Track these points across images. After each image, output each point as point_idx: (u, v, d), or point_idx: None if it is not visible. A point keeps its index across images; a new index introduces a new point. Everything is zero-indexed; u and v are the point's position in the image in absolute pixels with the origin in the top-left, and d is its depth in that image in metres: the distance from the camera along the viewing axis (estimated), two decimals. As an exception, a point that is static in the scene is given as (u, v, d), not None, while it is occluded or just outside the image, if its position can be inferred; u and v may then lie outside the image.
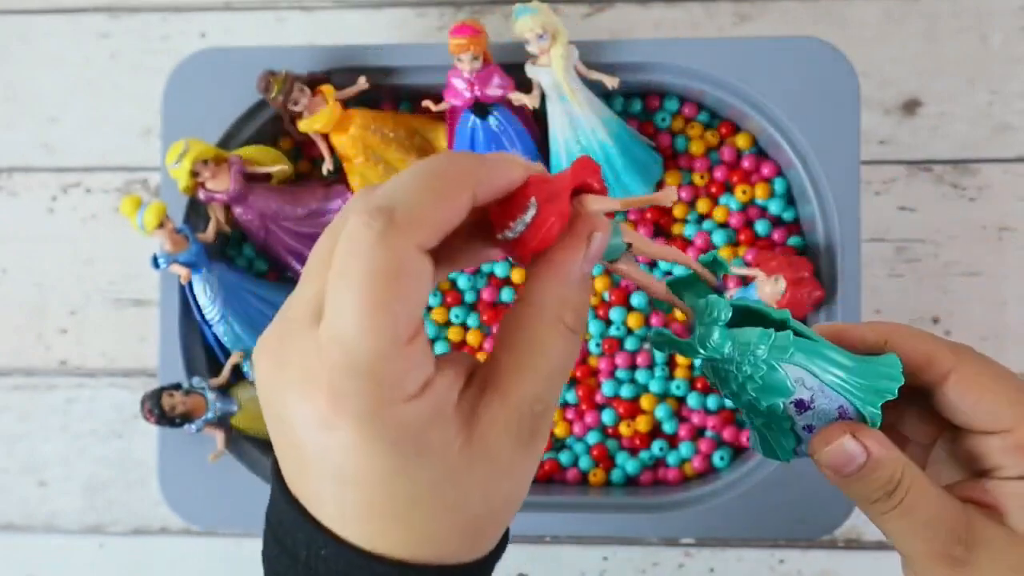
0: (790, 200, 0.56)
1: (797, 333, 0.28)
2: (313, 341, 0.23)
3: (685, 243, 0.56)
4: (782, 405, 0.29)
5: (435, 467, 0.23)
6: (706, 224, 0.56)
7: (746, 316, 0.29)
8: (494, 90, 0.52)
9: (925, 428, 0.33)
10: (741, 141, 0.56)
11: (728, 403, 0.55)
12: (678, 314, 0.30)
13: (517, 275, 0.57)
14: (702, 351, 0.28)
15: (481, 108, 0.53)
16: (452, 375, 0.24)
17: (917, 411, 0.32)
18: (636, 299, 0.56)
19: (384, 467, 0.23)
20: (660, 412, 0.55)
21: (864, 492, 0.28)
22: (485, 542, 0.26)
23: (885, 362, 0.29)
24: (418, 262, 0.22)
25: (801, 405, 0.29)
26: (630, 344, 0.56)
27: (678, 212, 0.57)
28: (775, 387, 0.28)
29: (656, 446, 0.56)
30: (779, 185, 0.55)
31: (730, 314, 0.27)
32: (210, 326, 0.54)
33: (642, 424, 0.56)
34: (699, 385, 0.56)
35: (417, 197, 0.23)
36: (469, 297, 0.57)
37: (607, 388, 0.56)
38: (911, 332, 0.30)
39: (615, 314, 0.56)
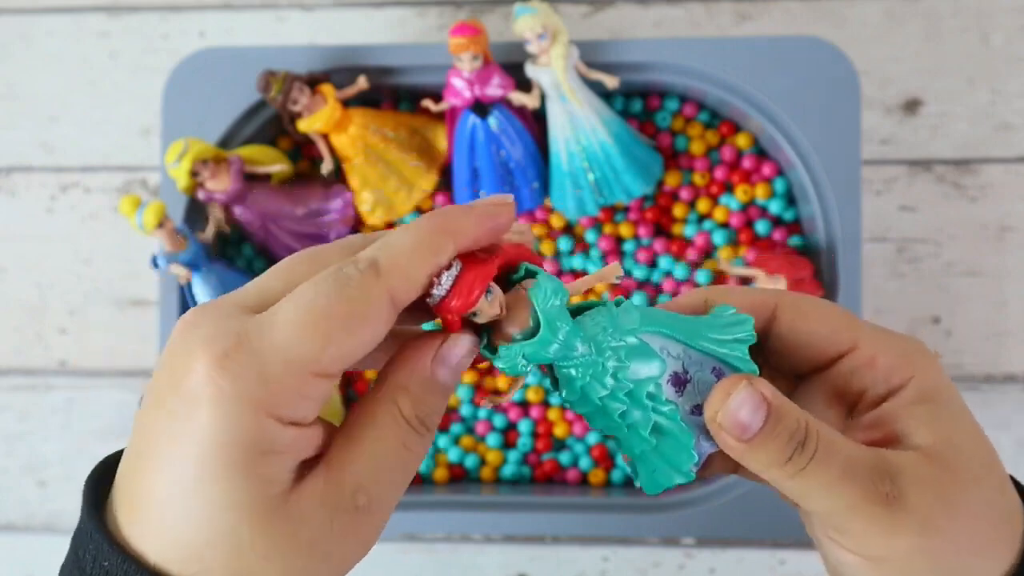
0: (791, 200, 0.56)
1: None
2: (237, 318, 0.23)
3: (685, 243, 0.56)
4: (663, 390, 0.27)
5: (247, 495, 0.23)
6: (706, 224, 0.56)
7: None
8: (494, 90, 0.52)
9: (779, 387, 0.30)
10: (741, 141, 0.56)
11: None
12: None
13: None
14: (554, 345, 0.25)
15: (481, 108, 0.53)
16: (317, 434, 0.24)
17: (766, 372, 0.31)
18: (636, 299, 0.56)
19: (205, 463, 0.22)
20: (660, 412, 0.55)
21: (776, 452, 0.25)
22: None
23: (719, 313, 0.28)
24: (384, 312, 0.23)
25: (679, 381, 0.27)
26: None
27: (678, 212, 0.56)
28: (644, 358, 0.26)
29: (656, 446, 0.56)
30: (780, 185, 0.55)
31: (566, 296, 0.26)
32: (210, 326, 0.54)
33: (642, 424, 0.56)
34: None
35: (403, 254, 0.24)
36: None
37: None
38: (725, 289, 0.29)
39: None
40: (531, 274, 0.26)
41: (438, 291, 0.24)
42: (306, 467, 0.24)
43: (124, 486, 0.24)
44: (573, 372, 0.26)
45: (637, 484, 0.28)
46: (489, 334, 0.26)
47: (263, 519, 0.23)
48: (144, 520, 0.23)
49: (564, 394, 0.27)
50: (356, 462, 0.24)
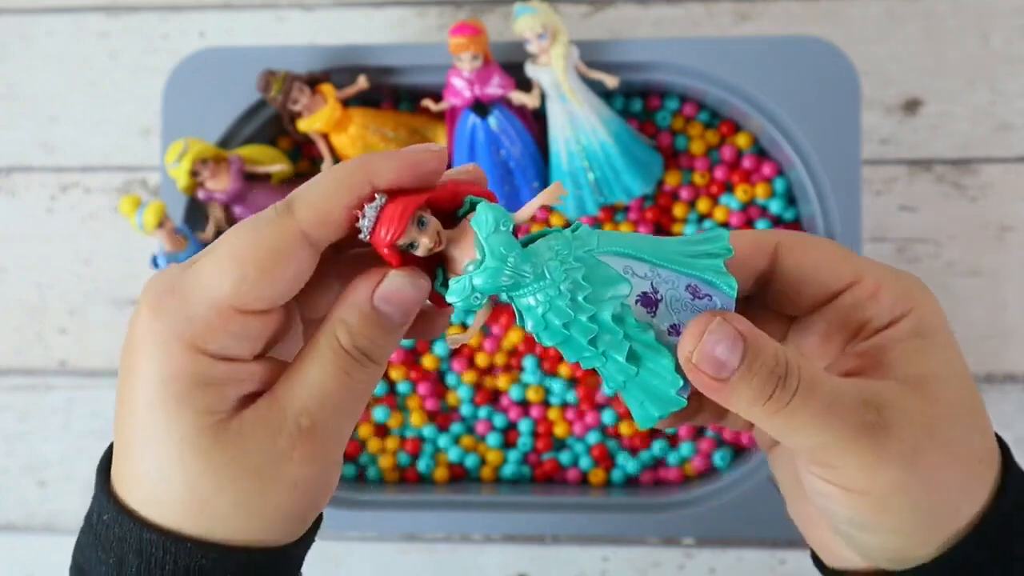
0: (791, 200, 0.56)
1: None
2: (173, 272, 0.25)
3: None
4: (632, 311, 0.26)
5: (187, 427, 0.24)
6: (706, 224, 0.56)
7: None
8: (494, 89, 0.52)
9: (771, 328, 0.30)
10: (742, 140, 0.56)
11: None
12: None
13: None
14: (503, 273, 0.25)
15: (481, 107, 0.53)
16: (262, 369, 0.26)
17: (759, 313, 0.31)
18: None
19: (153, 401, 0.24)
20: (660, 412, 0.55)
21: (756, 389, 0.25)
22: (216, 524, 0.25)
23: (704, 235, 0.27)
24: (296, 248, 0.25)
25: (649, 302, 0.26)
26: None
27: (678, 212, 0.56)
28: (607, 281, 0.25)
29: (656, 446, 0.56)
30: (780, 185, 0.55)
31: (511, 223, 0.25)
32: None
33: (642, 424, 0.56)
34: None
35: (315, 191, 0.25)
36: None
37: (607, 388, 0.56)
38: (735, 233, 0.29)
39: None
40: (475, 206, 0.26)
41: (363, 223, 0.25)
42: (251, 400, 0.26)
43: (115, 446, 0.26)
44: (531, 301, 0.26)
45: (635, 423, 0.27)
46: (445, 272, 0.26)
47: (207, 445, 0.24)
48: (124, 471, 0.26)
49: (529, 326, 0.26)
50: (297, 387, 0.25)
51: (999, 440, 0.28)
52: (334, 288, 0.29)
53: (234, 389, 0.25)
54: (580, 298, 0.25)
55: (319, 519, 0.29)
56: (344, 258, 0.28)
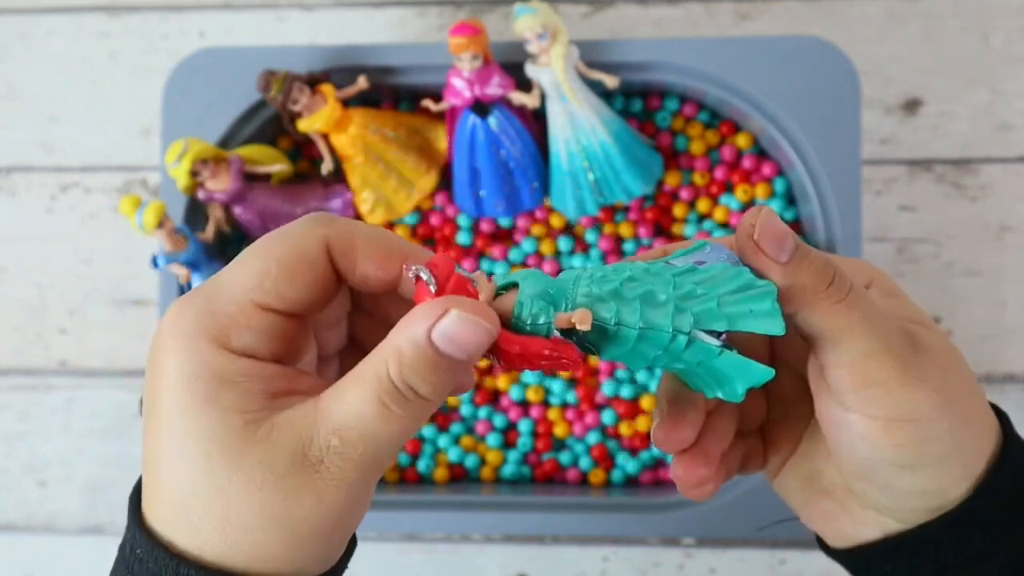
0: (791, 200, 0.56)
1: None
2: (206, 282, 0.26)
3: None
4: (674, 280, 0.26)
5: (216, 426, 0.24)
6: (706, 224, 0.56)
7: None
8: (494, 89, 0.52)
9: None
10: (742, 140, 0.56)
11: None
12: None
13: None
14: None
15: (481, 108, 0.53)
16: (288, 375, 0.25)
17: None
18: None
19: (178, 402, 0.24)
20: (660, 412, 0.55)
21: (816, 275, 0.26)
22: (243, 539, 0.24)
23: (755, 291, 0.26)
24: (321, 253, 0.25)
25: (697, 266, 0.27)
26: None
27: (678, 212, 0.56)
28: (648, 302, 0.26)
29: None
30: (780, 185, 0.55)
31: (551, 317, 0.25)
32: (210, 326, 0.54)
33: (642, 424, 0.56)
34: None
35: (349, 220, 0.26)
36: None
37: (607, 388, 0.56)
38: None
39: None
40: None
41: (424, 274, 0.24)
42: (284, 408, 0.25)
43: (144, 459, 0.26)
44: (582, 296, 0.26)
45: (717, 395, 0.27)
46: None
47: (235, 444, 0.24)
48: (152, 485, 0.25)
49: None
50: (335, 405, 0.24)
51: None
52: (341, 330, 0.29)
53: (259, 387, 0.24)
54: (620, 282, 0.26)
55: (345, 562, 0.28)
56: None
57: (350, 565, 0.28)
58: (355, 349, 0.30)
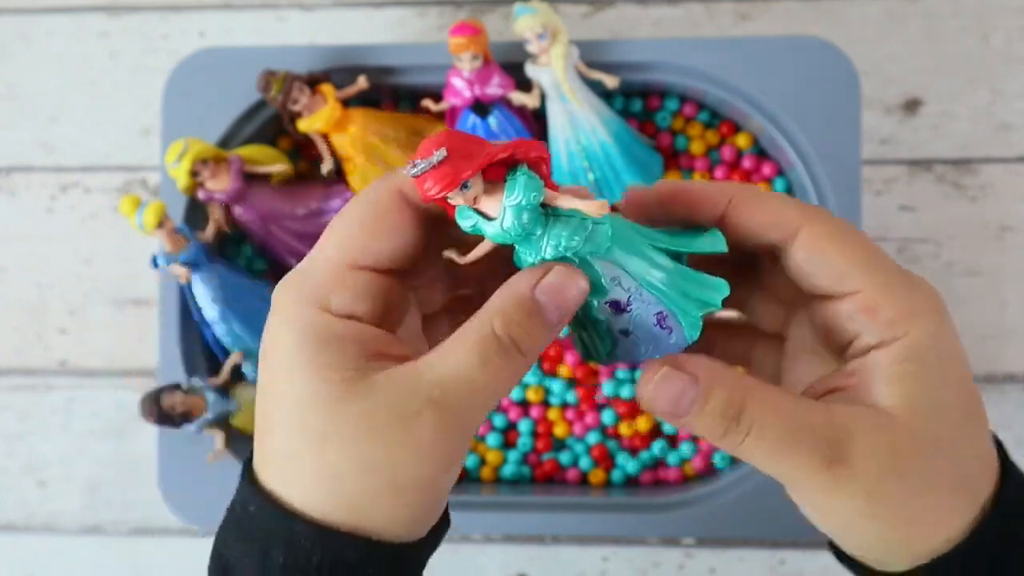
0: (791, 200, 0.56)
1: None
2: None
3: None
4: (595, 304, 0.27)
5: (319, 383, 0.25)
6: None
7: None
8: (494, 89, 0.52)
9: (773, 310, 0.32)
10: (741, 141, 0.56)
11: None
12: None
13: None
14: (510, 234, 0.26)
15: (481, 108, 0.53)
16: (388, 338, 0.27)
17: (761, 293, 0.32)
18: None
19: (289, 365, 0.25)
20: (660, 412, 0.55)
21: (709, 427, 0.26)
22: (344, 493, 0.25)
23: (700, 276, 0.27)
24: (395, 203, 0.27)
25: (617, 306, 0.27)
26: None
27: (678, 212, 0.56)
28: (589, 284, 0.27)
29: (656, 446, 0.56)
30: (780, 185, 0.55)
31: (540, 196, 0.26)
32: (210, 326, 0.54)
33: (642, 424, 0.56)
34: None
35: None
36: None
37: (607, 388, 0.56)
38: (757, 193, 0.28)
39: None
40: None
41: (409, 169, 0.25)
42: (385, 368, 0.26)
43: (256, 425, 0.27)
44: (530, 258, 0.27)
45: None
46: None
47: (335, 400, 0.25)
48: (264, 447, 0.27)
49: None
50: (437, 362, 0.25)
51: (1001, 450, 0.28)
52: (443, 282, 0.31)
53: (357, 348, 0.26)
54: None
55: (444, 522, 0.29)
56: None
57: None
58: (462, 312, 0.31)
